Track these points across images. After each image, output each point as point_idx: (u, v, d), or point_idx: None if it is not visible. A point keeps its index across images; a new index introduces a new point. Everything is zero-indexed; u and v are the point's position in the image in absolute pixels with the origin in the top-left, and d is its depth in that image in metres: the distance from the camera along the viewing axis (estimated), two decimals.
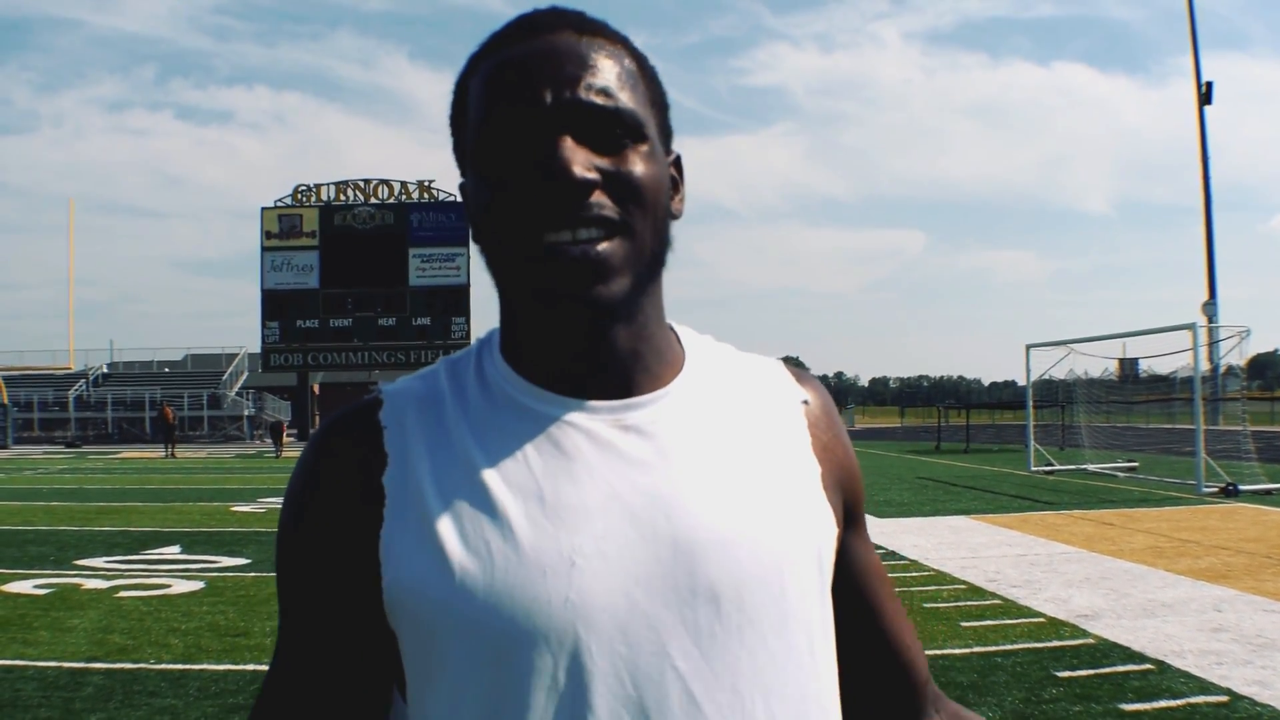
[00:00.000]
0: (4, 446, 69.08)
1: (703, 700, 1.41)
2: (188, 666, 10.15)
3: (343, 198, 71.62)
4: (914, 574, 15.00)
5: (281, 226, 71.77)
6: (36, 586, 14.75)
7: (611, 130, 1.46)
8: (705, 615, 1.43)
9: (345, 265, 70.42)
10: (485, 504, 1.44)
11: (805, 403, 1.68)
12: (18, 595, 14.13)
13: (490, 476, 1.46)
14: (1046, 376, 39.88)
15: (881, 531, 19.74)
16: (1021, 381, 39.95)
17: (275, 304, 71.20)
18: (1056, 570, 15.16)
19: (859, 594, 1.75)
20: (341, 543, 1.49)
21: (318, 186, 72.17)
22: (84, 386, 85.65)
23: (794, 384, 1.71)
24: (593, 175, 1.43)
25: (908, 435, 74.28)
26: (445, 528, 1.43)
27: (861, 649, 1.75)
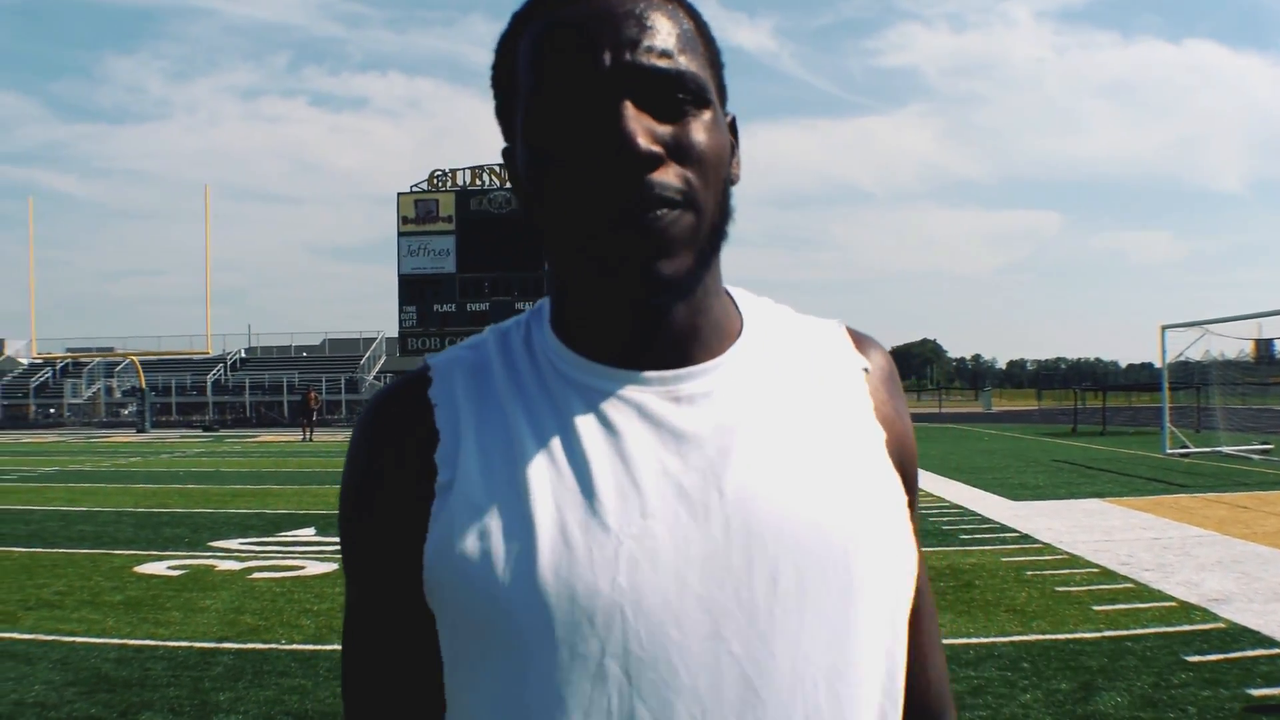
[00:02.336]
0: (142, 430, 69.97)
1: (759, 684, 1.35)
2: (318, 647, 10.22)
3: (478, 182, 71.83)
4: (1047, 557, 14.88)
5: (418, 211, 72.12)
6: (170, 568, 14.94)
7: (673, 95, 1.40)
8: (763, 595, 1.36)
9: (482, 249, 70.57)
10: (531, 482, 1.40)
11: (866, 370, 1.59)
12: (151, 576, 14.32)
13: (537, 454, 1.42)
14: (1182, 358, 39.35)
15: (1015, 514, 19.66)
16: (1158, 363, 39.34)
17: (412, 288, 71.57)
18: (1189, 554, 14.98)
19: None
20: (397, 522, 1.47)
21: (453, 171, 72.46)
22: (222, 371, 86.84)
23: (854, 349, 1.61)
24: (657, 148, 1.36)
25: (1044, 418, 73.54)
26: (489, 507, 1.40)
27: None
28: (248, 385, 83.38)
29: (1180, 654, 9.55)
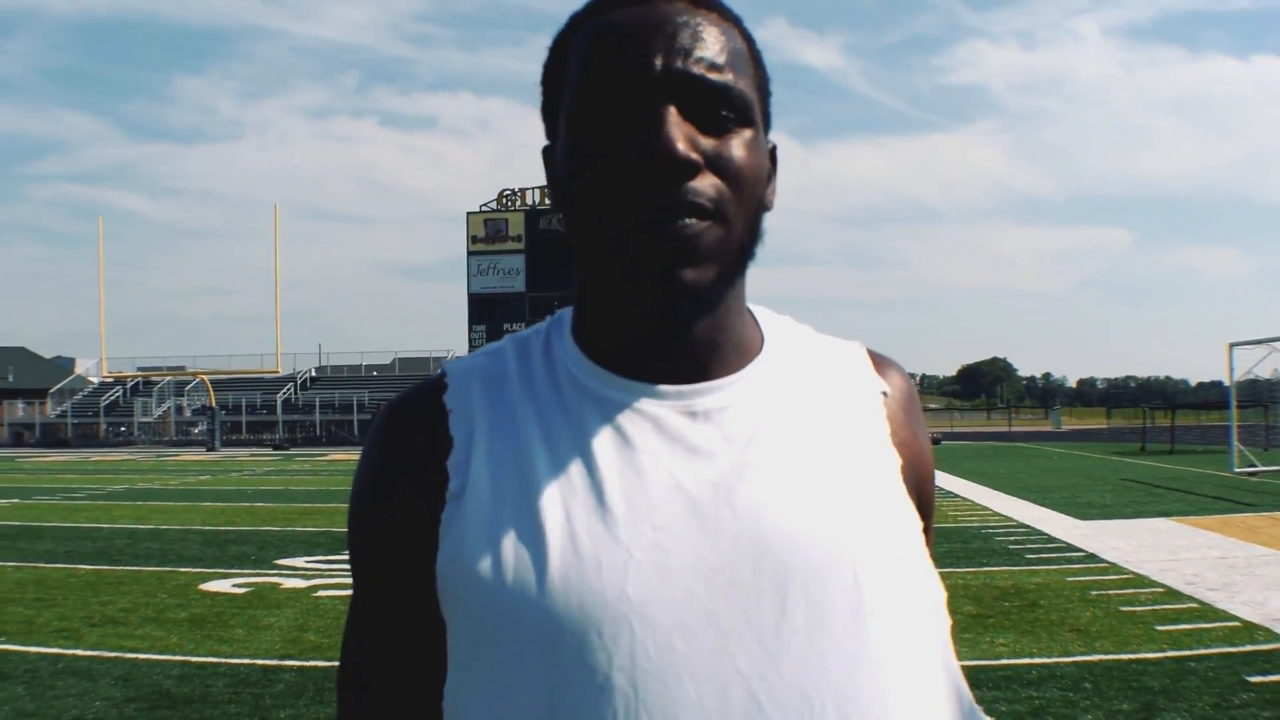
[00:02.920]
0: (212, 449, 70.40)
1: (766, 703, 1.32)
2: None
3: (547, 201, 71.73)
4: (1112, 577, 14.80)
5: (487, 230, 72.67)
6: (235, 585, 15.00)
7: (718, 109, 1.40)
8: (771, 613, 1.34)
9: (551, 268, 71.03)
10: (542, 492, 1.39)
11: (884, 393, 1.58)
12: (215, 594, 14.39)
13: (549, 463, 1.42)
14: (1250, 376, 39.08)
15: (1082, 534, 19.56)
16: (1227, 381, 39.06)
17: (482, 307, 72.10)
18: (1255, 573, 14.86)
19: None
20: (406, 527, 1.47)
21: (522, 190, 72.96)
22: (292, 390, 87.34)
23: (874, 372, 1.61)
24: (696, 156, 1.36)
25: (1113, 436, 73.33)
26: (499, 515, 1.39)
27: None
28: (318, 404, 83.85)
29: (1242, 674, 9.46)
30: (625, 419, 1.45)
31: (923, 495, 1.58)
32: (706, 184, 1.37)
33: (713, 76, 1.39)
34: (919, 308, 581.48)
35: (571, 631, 1.33)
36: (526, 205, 72.67)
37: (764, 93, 1.51)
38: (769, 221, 1.52)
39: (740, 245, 1.44)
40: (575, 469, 1.41)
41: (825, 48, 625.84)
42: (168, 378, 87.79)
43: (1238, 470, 35.53)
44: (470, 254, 72.92)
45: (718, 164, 1.39)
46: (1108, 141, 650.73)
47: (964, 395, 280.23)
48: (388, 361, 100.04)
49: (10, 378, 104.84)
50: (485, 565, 1.37)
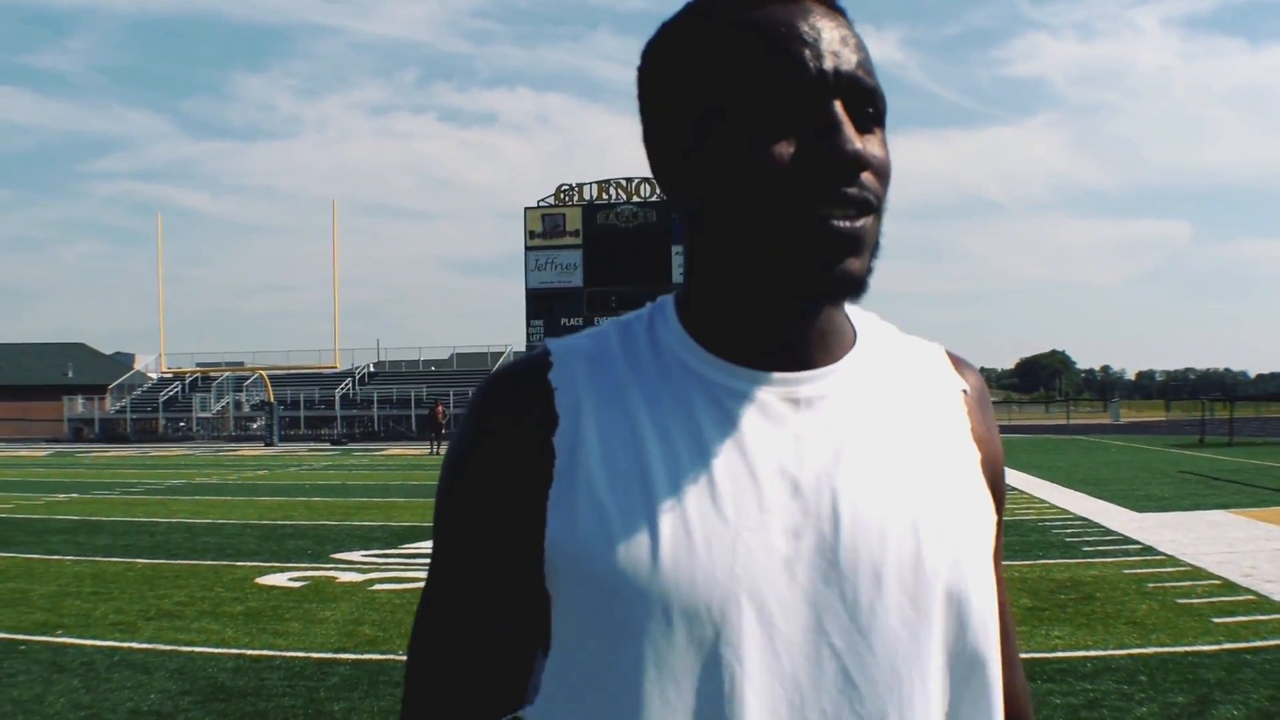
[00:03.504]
0: (270, 444, 70.74)
1: (858, 678, 1.40)
2: None
3: (605, 196, 72.42)
4: (1169, 569, 14.76)
5: (545, 226, 72.79)
6: (291, 579, 15.07)
7: (868, 109, 1.45)
8: (866, 593, 1.41)
9: (608, 263, 71.16)
10: (652, 471, 1.43)
11: (965, 391, 1.65)
12: (272, 587, 14.47)
13: (659, 443, 1.46)
14: None
15: (1140, 526, 19.51)
16: None
17: (539, 302, 72.27)
18: None
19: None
20: (507, 500, 1.49)
21: (580, 186, 73.05)
22: (350, 385, 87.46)
23: (954, 371, 1.67)
24: (868, 154, 1.42)
25: (1172, 429, 72.90)
26: (612, 493, 1.43)
27: None
28: (375, 399, 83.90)
29: None
30: (732, 403, 1.49)
31: (997, 488, 1.65)
32: (869, 180, 1.43)
33: (867, 79, 1.45)
34: (978, 301, 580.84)
35: (682, 608, 1.38)
36: (584, 200, 72.78)
37: None
38: None
39: (879, 237, 1.49)
40: (684, 449, 1.46)
41: (884, 41, 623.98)
42: (226, 373, 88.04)
43: None
44: (528, 249, 73.09)
45: (873, 159, 1.44)
46: (1168, 133, 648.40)
47: (1023, 388, 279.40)
48: (445, 357, 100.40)
49: (70, 373, 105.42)
50: (598, 541, 1.42)
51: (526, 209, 73.73)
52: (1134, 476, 31.75)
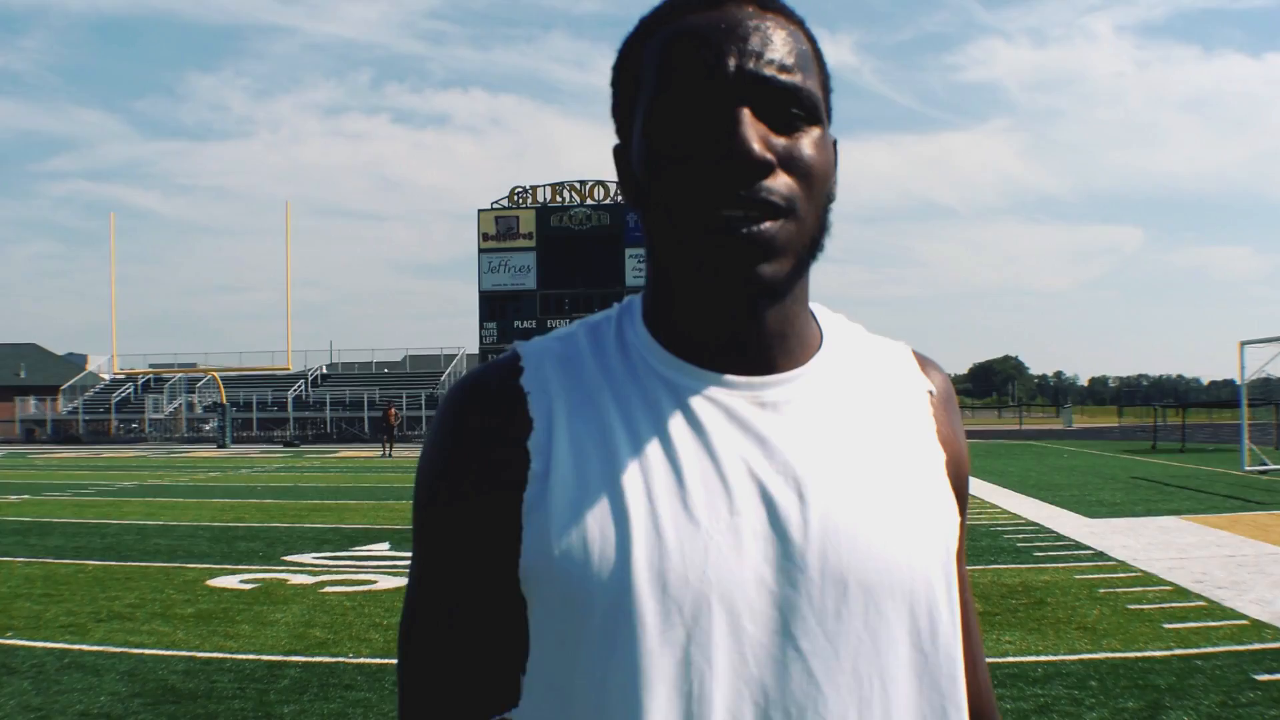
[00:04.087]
0: (223, 446, 70.52)
1: (822, 680, 1.40)
2: (386, 661, 10.28)
3: (558, 199, 72.61)
4: (1120, 574, 14.82)
5: (498, 228, 72.87)
6: (243, 581, 15.05)
7: (788, 109, 1.45)
8: (832, 597, 1.42)
9: (562, 266, 71.39)
10: (624, 473, 1.44)
11: (930, 392, 1.66)
12: (223, 590, 14.44)
13: (630, 445, 1.46)
14: (1262, 374, 39.07)
15: (1091, 531, 19.61)
16: (1239, 380, 39.01)
17: (493, 305, 72.38)
18: (1264, 571, 14.87)
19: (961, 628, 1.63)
20: (484, 506, 1.49)
21: (534, 188, 73.17)
22: (303, 387, 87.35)
23: (920, 371, 1.68)
24: (770, 156, 1.41)
25: (1125, 435, 73.37)
26: (584, 498, 1.44)
27: None
28: (329, 401, 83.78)
29: (1250, 673, 9.47)
30: (699, 406, 1.50)
31: (960, 489, 1.66)
32: (780, 182, 1.43)
33: (783, 78, 1.45)
34: (932, 306, 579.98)
35: (655, 611, 1.39)
36: (537, 203, 72.90)
37: (827, 91, 1.57)
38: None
39: (811, 239, 1.49)
40: (654, 452, 1.47)
41: (838, 45, 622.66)
42: (179, 374, 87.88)
43: (1249, 469, 35.57)
44: (481, 251, 73.12)
45: (790, 162, 1.44)
46: (1121, 140, 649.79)
47: (976, 393, 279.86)
48: (399, 359, 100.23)
49: (22, 374, 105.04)
50: (571, 545, 1.42)
51: (480, 211, 73.71)
52: (1086, 482, 31.87)
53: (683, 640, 1.39)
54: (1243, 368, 37.69)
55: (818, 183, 1.47)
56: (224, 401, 75.45)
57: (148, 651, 10.78)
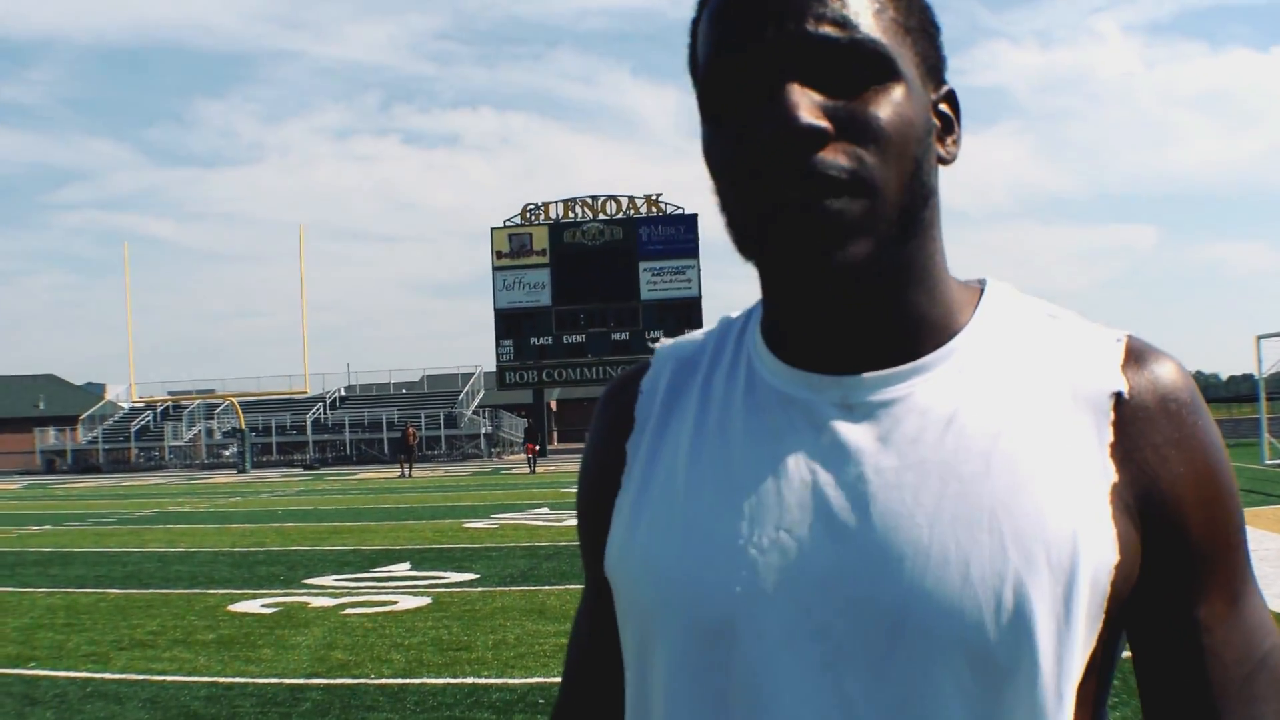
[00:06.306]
0: (243, 470, 70.46)
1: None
2: (407, 681, 10.27)
3: (571, 215, 72.43)
4: None
5: (512, 246, 72.74)
6: (264, 606, 15.02)
7: (847, 67, 1.25)
8: (885, 634, 1.24)
9: (576, 282, 71.21)
10: (683, 481, 1.38)
11: (1117, 394, 1.34)
12: (244, 614, 14.41)
13: (695, 452, 1.39)
14: (1279, 368, 38.92)
15: None
16: (1257, 374, 38.92)
17: (508, 322, 72.24)
18: None
19: (1175, 692, 1.36)
20: (594, 502, 1.54)
21: (546, 205, 73.05)
22: (321, 410, 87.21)
23: (1114, 370, 1.35)
24: (823, 123, 1.22)
25: None
26: (643, 501, 1.41)
27: None
28: (347, 423, 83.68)
29: None
30: (780, 409, 1.38)
31: (1162, 518, 1.33)
32: (839, 153, 1.23)
33: (834, 33, 1.25)
34: None
35: (681, 625, 1.33)
36: (550, 219, 72.74)
37: (920, 33, 1.37)
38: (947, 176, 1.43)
39: (900, 210, 1.29)
40: (714, 460, 1.39)
41: None
42: (197, 401, 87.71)
43: (1269, 462, 35.55)
44: (495, 269, 72.96)
45: (853, 127, 1.25)
46: (1132, 139, 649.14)
47: None
48: (416, 379, 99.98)
49: (41, 405, 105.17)
50: (630, 550, 1.41)
51: (493, 229, 73.57)
52: None
53: (703, 662, 1.31)
54: (1260, 362, 37.63)
55: (895, 145, 1.26)
56: (243, 426, 75.24)
57: (169, 678, 10.75)
